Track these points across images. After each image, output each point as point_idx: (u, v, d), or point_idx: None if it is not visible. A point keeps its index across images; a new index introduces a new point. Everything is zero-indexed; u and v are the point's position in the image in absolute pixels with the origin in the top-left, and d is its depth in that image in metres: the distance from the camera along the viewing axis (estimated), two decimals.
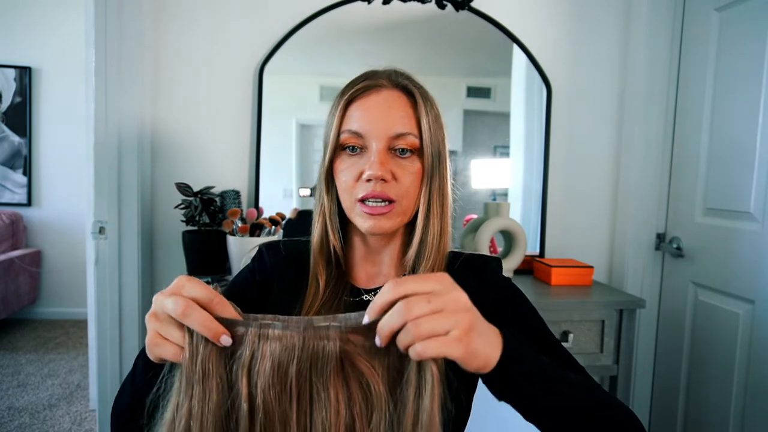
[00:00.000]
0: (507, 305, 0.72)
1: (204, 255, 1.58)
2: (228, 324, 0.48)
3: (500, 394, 0.54)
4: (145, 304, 1.68)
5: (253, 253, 0.81)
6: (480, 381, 0.74)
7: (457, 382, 0.58)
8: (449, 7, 1.79)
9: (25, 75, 3.53)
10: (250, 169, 1.78)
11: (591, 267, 1.72)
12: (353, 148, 0.69)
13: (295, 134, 1.83)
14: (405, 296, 0.46)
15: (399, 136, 0.68)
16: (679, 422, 1.76)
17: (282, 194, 1.81)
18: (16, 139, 3.57)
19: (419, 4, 1.77)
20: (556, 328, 1.50)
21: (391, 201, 0.67)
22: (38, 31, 3.52)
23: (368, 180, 0.66)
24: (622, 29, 1.89)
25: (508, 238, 1.77)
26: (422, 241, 0.71)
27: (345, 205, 0.71)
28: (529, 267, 1.83)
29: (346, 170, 0.69)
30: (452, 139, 1.84)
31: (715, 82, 1.62)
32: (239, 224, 1.55)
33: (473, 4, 1.80)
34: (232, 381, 0.47)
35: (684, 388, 1.75)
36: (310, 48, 1.77)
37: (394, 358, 0.48)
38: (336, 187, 0.72)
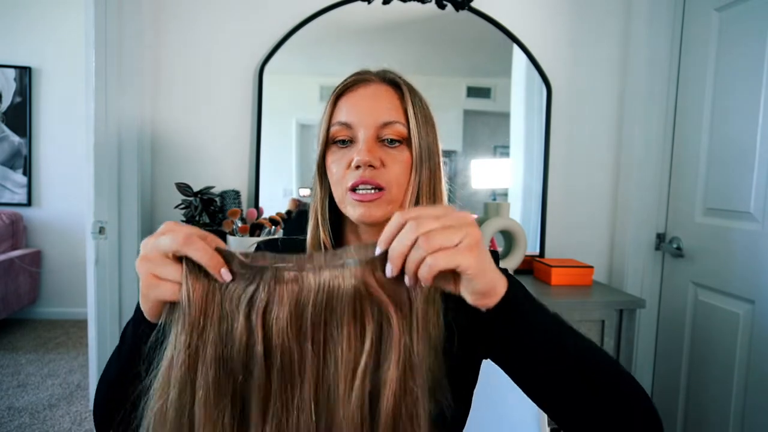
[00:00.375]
0: None
1: None
2: (227, 258, 0.48)
3: (503, 331, 0.53)
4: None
5: (252, 250, 0.82)
6: (473, 389, 0.75)
7: (457, 378, 0.58)
8: (449, 7, 1.79)
9: (25, 75, 3.53)
10: (250, 169, 1.78)
11: (591, 267, 1.72)
12: (343, 141, 0.70)
13: (295, 134, 1.83)
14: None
15: (386, 125, 0.69)
16: (680, 422, 1.76)
17: (282, 194, 1.81)
18: (16, 139, 3.57)
19: (419, 4, 1.77)
20: None
21: (380, 188, 0.68)
22: (38, 31, 3.52)
23: (357, 167, 0.67)
24: (622, 29, 1.89)
25: (508, 238, 1.77)
26: None
27: (337, 197, 0.71)
28: (529, 267, 1.83)
29: (336, 162, 0.70)
30: (452, 139, 1.84)
31: (715, 82, 1.62)
32: (239, 224, 1.55)
33: (473, 4, 1.80)
34: (246, 322, 0.47)
35: (684, 388, 1.75)
36: (310, 48, 1.77)
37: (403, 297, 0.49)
38: (328, 181, 0.72)
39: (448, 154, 1.85)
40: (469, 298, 0.50)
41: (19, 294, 3.38)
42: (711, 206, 1.63)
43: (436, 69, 1.85)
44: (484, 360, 0.72)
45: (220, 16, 1.74)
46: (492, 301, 0.50)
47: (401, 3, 1.76)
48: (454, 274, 0.49)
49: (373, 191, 0.67)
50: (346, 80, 0.73)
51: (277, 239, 0.81)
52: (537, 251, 1.89)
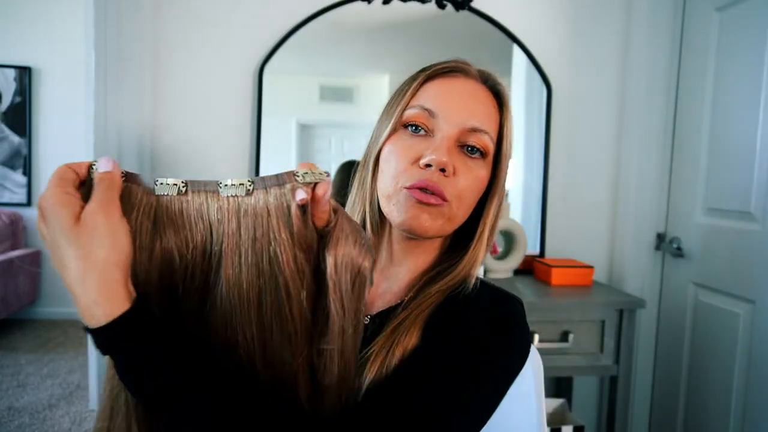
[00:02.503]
0: (471, 329, 0.56)
1: None
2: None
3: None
4: None
5: None
6: None
7: None
8: (449, 7, 1.79)
9: (25, 75, 3.53)
10: (250, 169, 1.78)
11: (591, 267, 1.72)
12: (417, 128, 0.58)
13: (295, 134, 1.82)
14: None
15: (474, 131, 0.58)
16: (680, 422, 1.76)
17: None
18: (15, 138, 3.57)
19: (419, 4, 1.77)
20: (557, 328, 1.50)
21: (443, 198, 0.56)
22: (38, 31, 3.52)
23: (426, 166, 0.55)
24: (623, 29, 1.89)
25: (508, 238, 1.77)
26: (453, 264, 0.61)
27: (384, 192, 0.59)
28: (529, 267, 1.83)
29: (401, 151, 0.58)
30: None
31: (715, 82, 1.62)
32: None
33: (473, 4, 1.80)
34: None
35: (684, 389, 1.74)
36: (310, 48, 1.77)
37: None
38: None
39: None
40: None
41: (18, 294, 3.38)
42: (711, 206, 1.63)
43: None
44: None
45: (220, 16, 1.74)
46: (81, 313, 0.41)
47: (401, 3, 1.76)
48: None
49: (433, 198, 0.56)
50: (441, 64, 0.62)
51: None
52: (537, 251, 1.89)
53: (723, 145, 1.59)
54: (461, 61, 0.63)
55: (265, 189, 0.46)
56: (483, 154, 0.59)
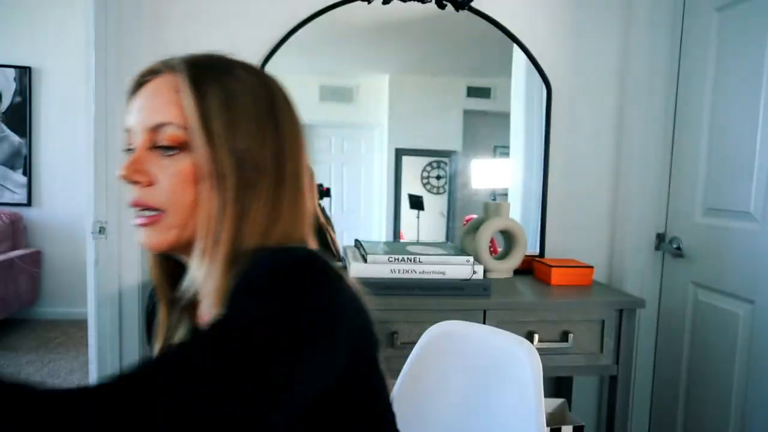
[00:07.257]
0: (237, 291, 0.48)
1: None
2: None
3: None
4: (145, 305, 1.68)
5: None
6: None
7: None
8: (449, 7, 1.79)
9: (25, 75, 3.53)
10: None
11: (591, 267, 1.72)
12: (129, 150, 0.57)
13: None
14: None
15: (157, 128, 0.54)
16: (679, 422, 1.76)
17: None
18: (16, 139, 3.57)
19: (419, 4, 1.77)
20: (556, 328, 1.50)
21: (157, 210, 0.54)
22: (38, 31, 3.52)
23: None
24: (623, 29, 1.89)
25: (508, 238, 1.77)
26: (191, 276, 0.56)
27: None
28: (529, 267, 1.83)
29: None
30: (452, 139, 1.83)
31: (715, 82, 1.62)
32: None
33: (473, 4, 1.79)
34: None
35: (684, 388, 1.75)
36: (310, 48, 1.77)
37: None
38: None
39: (448, 154, 1.84)
40: None
41: (19, 294, 3.38)
42: (711, 206, 1.63)
43: (436, 69, 1.85)
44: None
45: (220, 16, 1.73)
46: None
47: (401, 3, 1.76)
48: None
49: (150, 214, 0.55)
50: (137, 76, 0.60)
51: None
52: (537, 251, 1.89)
53: (723, 145, 1.59)
54: (155, 64, 0.59)
55: None
56: (181, 147, 0.53)
